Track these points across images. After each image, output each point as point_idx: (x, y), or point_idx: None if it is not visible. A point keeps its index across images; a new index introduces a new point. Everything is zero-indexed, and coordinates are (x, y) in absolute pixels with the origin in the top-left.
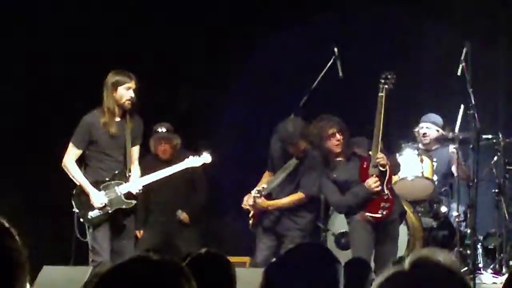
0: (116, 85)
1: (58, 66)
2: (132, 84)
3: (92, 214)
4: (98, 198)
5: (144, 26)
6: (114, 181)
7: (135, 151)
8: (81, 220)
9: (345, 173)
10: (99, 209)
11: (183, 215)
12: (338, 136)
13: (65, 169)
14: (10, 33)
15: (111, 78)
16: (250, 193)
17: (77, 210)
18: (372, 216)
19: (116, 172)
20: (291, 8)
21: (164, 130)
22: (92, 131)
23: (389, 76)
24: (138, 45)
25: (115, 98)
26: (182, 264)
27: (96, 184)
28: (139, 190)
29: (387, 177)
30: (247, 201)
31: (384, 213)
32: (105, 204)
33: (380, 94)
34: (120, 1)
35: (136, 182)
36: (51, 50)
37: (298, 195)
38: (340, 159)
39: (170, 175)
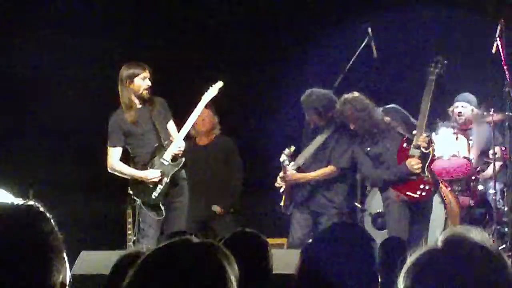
0: (132, 77)
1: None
2: (146, 73)
3: (155, 193)
4: (151, 174)
5: None
6: (156, 156)
7: (170, 127)
8: (145, 207)
9: (379, 146)
10: (157, 184)
11: (218, 209)
12: (368, 115)
13: (113, 172)
14: None
15: (125, 71)
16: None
17: (139, 200)
18: (410, 196)
19: (154, 148)
20: None
21: None
22: (122, 125)
23: (441, 61)
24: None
25: (133, 90)
26: (223, 247)
27: (144, 167)
28: (180, 147)
29: (429, 159)
30: (280, 177)
31: (423, 194)
32: (160, 176)
33: (431, 77)
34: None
35: (174, 142)
36: None
37: (329, 168)
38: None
39: (205, 158)
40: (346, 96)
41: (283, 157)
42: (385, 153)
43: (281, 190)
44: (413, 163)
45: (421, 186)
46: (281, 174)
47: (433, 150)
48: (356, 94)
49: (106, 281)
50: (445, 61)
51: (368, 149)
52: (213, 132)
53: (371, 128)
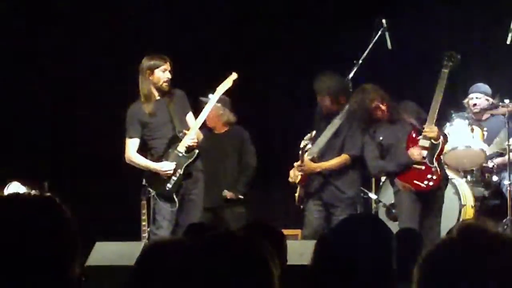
0: (152, 68)
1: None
2: (167, 66)
3: (169, 184)
4: (165, 166)
5: None
6: (171, 148)
7: (189, 119)
8: (160, 199)
9: (392, 137)
10: (171, 177)
11: (228, 194)
12: (382, 106)
13: (131, 163)
14: None
15: (146, 62)
16: (294, 166)
17: (153, 191)
18: (416, 184)
19: (169, 140)
20: None
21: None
22: (139, 117)
23: (454, 55)
24: None
25: (152, 82)
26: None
27: (160, 159)
28: (192, 139)
29: (438, 150)
30: (294, 173)
31: (431, 184)
32: (174, 168)
33: (444, 70)
34: None
35: (188, 134)
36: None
37: (343, 157)
38: (384, 122)
39: (218, 147)
40: (363, 86)
41: (304, 142)
42: (397, 144)
43: (297, 181)
44: (414, 152)
45: (428, 176)
46: (297, 163)
47: (444, 142)
48: (370, 85)
49: (134, 270)
50: (458, 55)
51: (381, 138)
52: (227, 122)
53: (385, 117)
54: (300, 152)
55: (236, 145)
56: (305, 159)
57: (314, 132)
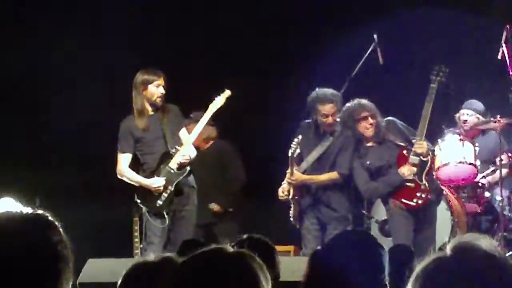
0: (146, 83)
1: None
2: (161, 81)
3: (159, 201)
4: (156, 182)
5: None
6: (163, 164)
7: (182, 134)
8: (150, 215)
9: (379, 159)
10: (162, 193)
11: (215, 207)
12: (370, 120)
13: (122, 178)
14: None
15: (140, 77)
16: (283, 184)
17: (144, 208)
18: (406, 203)
19: (161, 156)
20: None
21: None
22: (132, 131)
23: (442, 69)
24: None
25: (146, 96)
26: (255, 256)
27: (152, 174)
28: (184, 156)
29: (427, 167)
30: (282, 190)
31: (420, 202)
32: (165, 185)
33: (432, 85)
34: None
35: (180, 151)
36: None
37: (334, 174)
38: (371, 144)
39: (203, 163)
40: (358, 99)
41: (292, 148)
42: (384, 166)
43: (290, 196)
44: (404, 170)
45: (418, 194)
46: (287, 177)
47: (432, 158)
48: (362, 101)
49: None
50: (447, 69)
51: (368, 163)
52: (208, 138)
53: (371, 135)
54: (289, 161)
55: (219, 160)
56: (294, 171)
57: (300, 137)
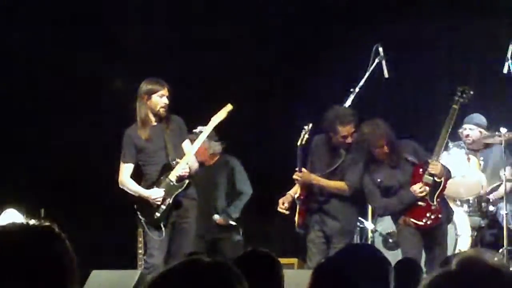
0: (150, 93)
1: None
2: (165, 91)
3: (157, 213)
4: (155, 193)
5: None
6: (163, 175)
7: (185, 145)
8: (148, 227)
9: (392, 179)
10: (160, 205)
11: (219, 219)
12: (385, 148)
13: (123, 188)
14: None
15: (144, 87)
16: (285, 195)
17: (143, 218)
18: (415, 223)
19: (162, 167)
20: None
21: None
22: (135, 141)
23: (466, 91)
24: None
25: (149, 107)
26: (233, 266)
27: (153, 186)
28: (184, 169)
29: (440, 189)
30: (282, 202)
31: (429, 222)
32: (163, 196)
33: (454, 106)
34: None
35: (180, 163)
36: None
37: (342, 184)
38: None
39: (209, 179)
40: (375, 120)
41: (301, 136)
42: (397, 186)
43: (296, 196)
44: (415, 188)
45: (428, 214)
46: (296, 173)
47: (446, 179)
48: (382, 121)
49: None
50: (470, 91)
51: (379, 180)
52: (214, 154)
53: (385, 159)
54: (297, 153)
55: (226, 175)
56: (303, 169)
57: (311, 125)
